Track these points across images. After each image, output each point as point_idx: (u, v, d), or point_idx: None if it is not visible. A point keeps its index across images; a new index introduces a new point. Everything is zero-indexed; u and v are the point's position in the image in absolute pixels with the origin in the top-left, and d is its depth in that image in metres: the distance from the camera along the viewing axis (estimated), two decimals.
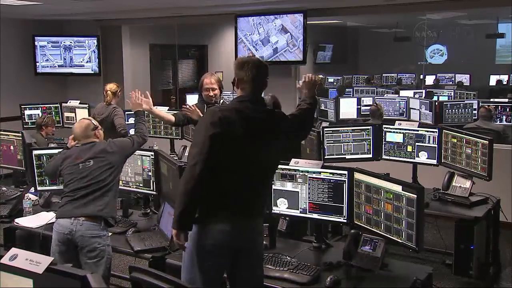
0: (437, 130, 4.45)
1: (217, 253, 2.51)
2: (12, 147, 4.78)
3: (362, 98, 7.96)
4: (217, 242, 2.49)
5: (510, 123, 6.87)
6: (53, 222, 3.63)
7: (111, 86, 5.70)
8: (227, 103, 3.35)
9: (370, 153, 4.73)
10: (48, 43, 8.41)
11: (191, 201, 2.45)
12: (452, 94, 9.12)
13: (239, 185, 2.55)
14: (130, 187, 3.88)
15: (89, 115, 6.19)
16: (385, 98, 8.27)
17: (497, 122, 6.85)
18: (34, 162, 3.92)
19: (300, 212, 3.19)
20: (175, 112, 4.85)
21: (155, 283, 2.08)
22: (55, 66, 8.47)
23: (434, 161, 4.43)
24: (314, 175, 3.11)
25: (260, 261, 2.70)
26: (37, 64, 8.42)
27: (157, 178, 3.75)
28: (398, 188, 2.75)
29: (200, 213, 2.51)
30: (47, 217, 3.73)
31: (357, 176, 3.00)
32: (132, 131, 5.96)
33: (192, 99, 6.80)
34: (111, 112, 5.49)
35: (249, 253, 2.60)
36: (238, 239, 2.54)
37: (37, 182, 3.96)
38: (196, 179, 2.42)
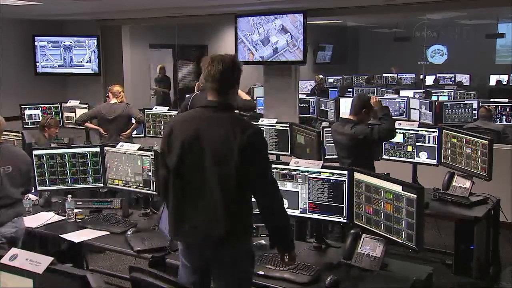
0: (437, 130, 4.45)
1: (188, 269, 2.58)
2: None
3: None
4: (184, 258, 2.60)
5: (510, 123, 6.87)
6: (53, 222, 3.65)
7: (120, 88, 6.23)
8: None
9: None
10: (48, 43, 8.41)
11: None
12: (452, 94, 9.13)
13: (187, 203, 2.47)
14: (130, 187, 3.88)
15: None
16: (385, 98, 8.26)
17: (497, 122, 6.86)
18: (34, 162, 3.92)
19: (300, 212, 3.19)
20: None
21: (155, 283, 2.08)
22: (55, 66, 8.47)
23: (434, 161, 4.43)
24: (314, 175, 3.11)
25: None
26: (37, 64, 8.42)
27: (157, 178, 3.75)
28: (398, 188, 2.75)
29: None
30: (47, 217, 3.74)
31: (357, 176, 3.00)
32: None
33: None
34: (125, 108, 6.06)
35: (219, 277, 2.55)
36: (198, 261, 2.54)
37: (37, 182, 3.96)
38: (160, 184, 2.60)
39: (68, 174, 3.94)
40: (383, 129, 4.05)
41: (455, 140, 4.28)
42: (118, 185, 3.93)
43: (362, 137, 4.07)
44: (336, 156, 4.80)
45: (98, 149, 3.96)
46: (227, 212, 2.40)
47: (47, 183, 3.97)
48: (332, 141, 4.82)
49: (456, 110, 7.10)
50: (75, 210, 3.75)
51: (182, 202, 2.48)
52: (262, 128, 5.33)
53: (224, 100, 2.47)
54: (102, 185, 3.99)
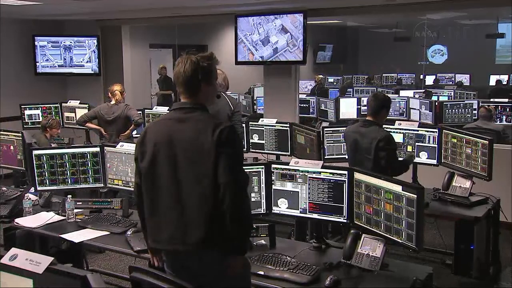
0: (437, 130, 4.45)
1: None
2: (12, 147, 4.78)
3: (362, 98, 7.97)
4: (170, 269, 2.45)
5: (510, 123, 6.87)
6: (53, 222, 3.65)
7: (119, 88, 6.16)
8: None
9: None
10: (48, 43, 8.41)
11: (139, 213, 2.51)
12: (452, 94, 9.14)
13: (161, 209, 2.35)
14: (130, 187, 3.88)
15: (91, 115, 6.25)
16: None
17: (497, 122, 6.86)
18: (34, 162, 3.92)
19: (300, 212, 3.19)
20: None
21: (155, 283, 2.08)
22: (55, 66, 8.47)
23: (434, 161, 4.43)
24: (314, 175, 3.10)
25: None
26: (37, 64, 8.43)
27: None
28: (398, 188, 2.75)
29: None
30: (47, 217, 3.73)
31: (357, 176, 3.00)
32: None
33: None
34: (124, 109, 6.01)
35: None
36: (182, 270, 2.35)
37: (37, 182, 3.96)
38: (134, 193, 2.53)
39: (68, 174, 3.94)
40: (400, 162, 4.11)
41: (455, 140, 4.28)
42: (118, 185, 3.93)
43: (388, 146, 3.94)
44: (337, 156, 4.81)
45: (98, 149, 3.95)
46: (206, 216, 2.25)
47: (47, 183, 3.97)
48: (332, 141, 4.83)
49: (456, 110, 7.10)
50: (75, 210, 3.74)
51: (156, 209, 2.36)
52: (262, 128, 5.36)
53: (194, 100, 2.38)
54: (102, 185, 3.99)
